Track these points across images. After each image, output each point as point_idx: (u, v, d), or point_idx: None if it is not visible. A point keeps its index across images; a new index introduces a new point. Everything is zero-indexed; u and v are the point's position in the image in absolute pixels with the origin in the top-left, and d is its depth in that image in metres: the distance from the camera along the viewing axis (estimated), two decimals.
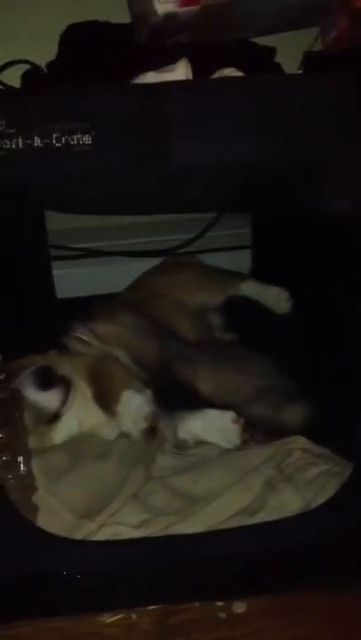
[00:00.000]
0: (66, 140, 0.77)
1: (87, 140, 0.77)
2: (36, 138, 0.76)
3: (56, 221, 1.42)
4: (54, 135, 0.76)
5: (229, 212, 1.39)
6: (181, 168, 0.83)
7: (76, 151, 0.77)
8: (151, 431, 1.11)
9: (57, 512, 0.99)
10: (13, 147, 0.75)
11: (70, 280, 1.53)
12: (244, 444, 1.11)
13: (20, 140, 0.75)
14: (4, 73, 1.05)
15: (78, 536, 0.96)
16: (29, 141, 0.75)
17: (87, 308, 1.47)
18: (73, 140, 0.77)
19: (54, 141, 0.76)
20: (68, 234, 1.51)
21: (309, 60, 1.20)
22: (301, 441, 1.08)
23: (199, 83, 0.93)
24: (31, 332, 1.37)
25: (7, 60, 1.07)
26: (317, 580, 0.94)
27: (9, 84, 1.04)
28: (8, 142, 0.75)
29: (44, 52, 1.10)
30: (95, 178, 0.82)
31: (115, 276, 1.50)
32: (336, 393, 1.11)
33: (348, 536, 0.91)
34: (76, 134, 0.77)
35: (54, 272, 1.52)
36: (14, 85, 1.04)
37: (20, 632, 0.91)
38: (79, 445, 1.13)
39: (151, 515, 0.99)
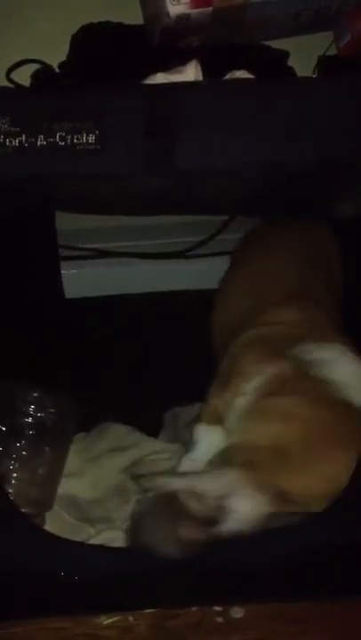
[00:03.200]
0: (70, 139, 0.77)
1: (92, 139, 0.77)
2: (40, 137, 0.76)
3: (66, 221, 1.42)
4: (59, 134, 0.76)
5: (239, 214, 1.39)
6: (187, 169, 0.83)
7: (81, 150, 0.77)
8: None
9: (57, 514, 0.99)
10: (17, 145, 0.75)
11: (79, 280, 1.53)
12: None
13: (24, 139, 0.75)
14: (16, 72, 1.05)
15: (78, 538, 0.96)
16: (33, 140, 0.75)
17: (96, 308, 1.48)
18: (77, 139, 0.77)
19: (58, 140, 0.76)
20: (78, 234, 1.51)
21: (324, 64, 1.20)
22: None
23: (208, 84, 0.93)
24: (39, 332, 1.38)
25: (18, 60, 1.07)
26: (317, 587, 0.93)
27: (20, 83, 1.05)
28: (12, 140, 0.75)
29: (56, 52, 1.11)
30: (100, 177, 0.82)
31: (124, 278, 1.50)
32: None
33: (348, 545, 0.90)
34: (81, 133, 0.77)
35: (63, 272, 1.52)
36: (25, 85, 1.04)
37: (15, 632, 0.91)
38: (90, 446, 1.13)
39: None
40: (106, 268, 1.43)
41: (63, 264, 1.53)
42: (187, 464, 0.98)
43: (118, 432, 1.15)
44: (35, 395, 1.04)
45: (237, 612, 0.93)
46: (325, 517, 0.91)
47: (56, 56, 1.11)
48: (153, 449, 1.11)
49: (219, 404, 1.00)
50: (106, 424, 1.15)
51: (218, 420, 1.01)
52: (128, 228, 1.42)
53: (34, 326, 1.39)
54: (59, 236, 1.48)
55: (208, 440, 0.99)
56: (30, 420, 1.03)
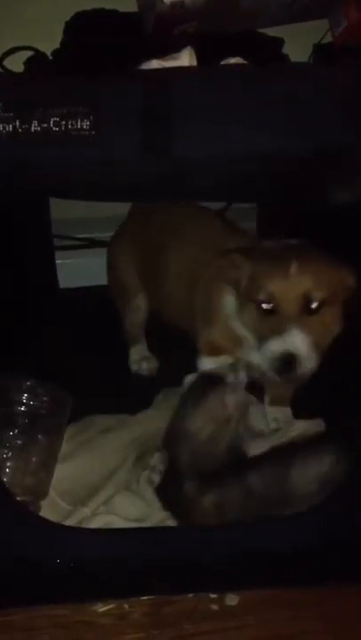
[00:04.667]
0: (65, 124, 0.76)
1: (86, 125, 0.76)
2: (34, 122, 0.75)
3: (60, 211, 1.42)
4: (53, 120, 0.75)
5: (236, 201, 1.38)
6: (183, 155, 0.82)
7: (75, 136, 0.76)
8: None
9: (51, 499, 0.99)
10: (11, 130, 0.74)
11: (74, 270, 1.52)
12: None
13: (18, 124, 0.74)
14: (9, 59, 1.05)
15: (72, 522, 0.96)
16: (27, 126, 0.74)
17: (90, 298, 1.48)
18: (72, 124, 0.76)
19: (53, 126, 0.75)
20: (72, 224, 1.50)
21: (319, 52, 1.19)
22: None
23: (204, 70, 0.92)
24: (34, 322, 1.38)
25: (11, 47, 1.06)
26: (312, 575, 0.94)
27: (14, 70, 1.04)
28: (6, 126, 0.74)
29: (50, 40, 1.10)
30: (95, 164, 0.81)
31: None
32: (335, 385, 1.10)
33: (342, 534, 0.91)
34: (76, 119, 0.76)
35: (58, 262, 1.52)
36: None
37: (12, 619, 0.92)
38: (79, 433, 1.13)
39: (146, 506, 0.99)
40: (100, 257, 1.43)
41: (58, 254, 1.52)
42: None
43: (105, 418, 1.15)
44: (28, 384, 1.04)
45: (232, 600, 0.94)
46: (320, 508, 0.91)
47: (49, 43, 1.10)
48: (143, 426, 1.12)
49: (215, 338, 1.15)
50: (91, 416, 1.16)
51: (217, 350, 1.14)
52: (122, 218, 1.41)
53: (28, 315, 1.39)
54: (53, 226, 1.48)
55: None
56: (24, 408, 1.03)
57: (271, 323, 1.00)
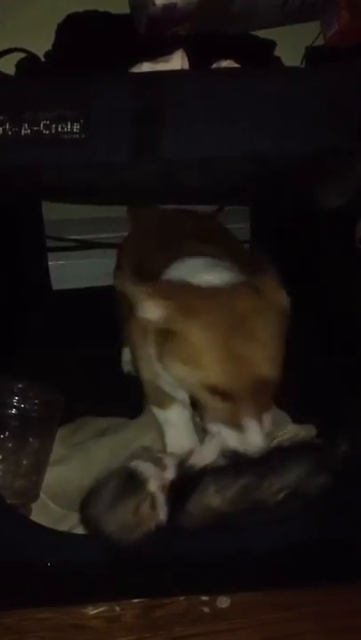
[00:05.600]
0: (55, 127, 0.76)
1: (76, 128, 0.76)
2: (24, 125, 0.75)
3: (53, 212, 1.41)
4: (43, 123, 0.75)
5: (228, 204, 1.38)
6: (174, 158, 0.82)
7: (66, 139, 0.76)
8: None
9: (42, 502, 0.99)
10: (1, 133, 0.74)
11: (66, 271, 1.52)
12: None
13: (8, 127, 0.74)
14: (0, 61, 1.04)
15: (64, 527, 0.96)
16: (17, 129, 0.74)
17: (83, 299, 1.48)
18: (62, 127, 0.76)
19: (43, 129, 0.75)
20: (65, 225, 1.50)
21: (312, 54, 1.20)
22: None
23: (195, 72, 0.92)
24: (26, 324, 1.37)
25: (3, 48, 1.06)
26: (304, 576, 0.94)
27: (5, 72, 1.04)
28: None
29: (42, 41, 1.10)
30: (86, 167, 0.81)
31: (112, 269, 1.49)
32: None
33: (332, 535, 0.91)
34: (66, 122, 0.76)
35: (50, 263, 1.52)
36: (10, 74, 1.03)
37: (2, 622, 0.92)
38: (72, 435, 1.12)
39: None
40: (93, 259, 1.43)
41: (50, 255, 1.52)
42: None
43: (99, 421, 1.15)
44: (19, 386, 1.04)
45: (224, 602, 0.94)
46: (311, 511, 0.91)
47: (42, 45, 1.10)
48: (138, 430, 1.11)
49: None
50: (84, 418, 1.15)
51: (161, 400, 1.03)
52: (116, 219, 1.41)
53: (21, 317, 1.39)
54: (46, 228, 1.47)
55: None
56: (15, 411, 1.02)
57: (222, 409, 0.87)
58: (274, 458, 0.90)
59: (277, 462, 0.90)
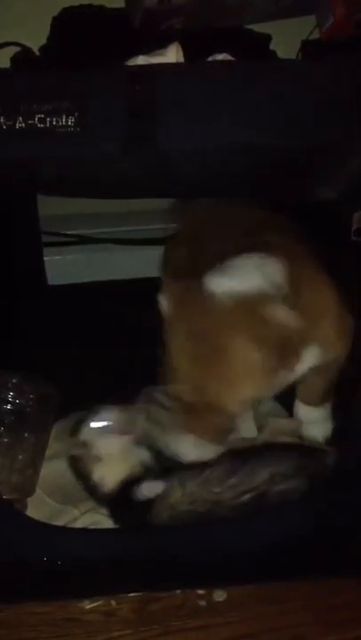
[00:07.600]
0: (50, 121, 0.76)
1: (71, 121, 0.76)
2: (19, 119, 0.75)
3: (48, 207, 1.41)
4: (38, 116, 0.75)
5: (222, 197, 1.38)
6: (169, 151, 0.82)
7: (61, 132, 0.76)
8: None
9: (38, 497, 0.99)
10: None
11: (62, 267, 1.52)
12: None
13: (3, 121, 0.74)
14: None
15: (60, 522, 0.96)
16: (11, 122, 0.74)
17: (78, 295, 1.47)
18: (57, 121, 0.76)
19: (38, 122, 0.75)
20: (61, 220, 1.49)
21: (307, 48, 1.19)
22: None
23: (190, 65, 0.92)
24: (22, 319, 1.37)
25: None
26: (299, 569, 0.94)
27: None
28: None
29: (37, 35, 1.10)
30: (81, 160, 0.81)
31: (107, 264, 1.49)
32: None
33: (328, 528, 0.91)
34: (61, 115, 0.76)
35: (46, 258, 1.51)
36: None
37: (0, 616, 0.91)
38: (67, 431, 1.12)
39: None
40: (89, 254, 1.42)
41: (46, 250, 1.52)
42: None
43: None
44: (14, 381, 1.04)
45: (220, 596, 0.94)
46: (305, 503, 0.91)
47: (36, 39, 1.10)
48: None
49: None
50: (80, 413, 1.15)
51: None
52: (111, 215, 1.41)
53: (16, 313, 1.38)
54: (41, 223, 1.47)
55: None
56: (10, 406, 1.02)
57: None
58: (248, 458, 0.94)
59: (249, 464, 0.93)
